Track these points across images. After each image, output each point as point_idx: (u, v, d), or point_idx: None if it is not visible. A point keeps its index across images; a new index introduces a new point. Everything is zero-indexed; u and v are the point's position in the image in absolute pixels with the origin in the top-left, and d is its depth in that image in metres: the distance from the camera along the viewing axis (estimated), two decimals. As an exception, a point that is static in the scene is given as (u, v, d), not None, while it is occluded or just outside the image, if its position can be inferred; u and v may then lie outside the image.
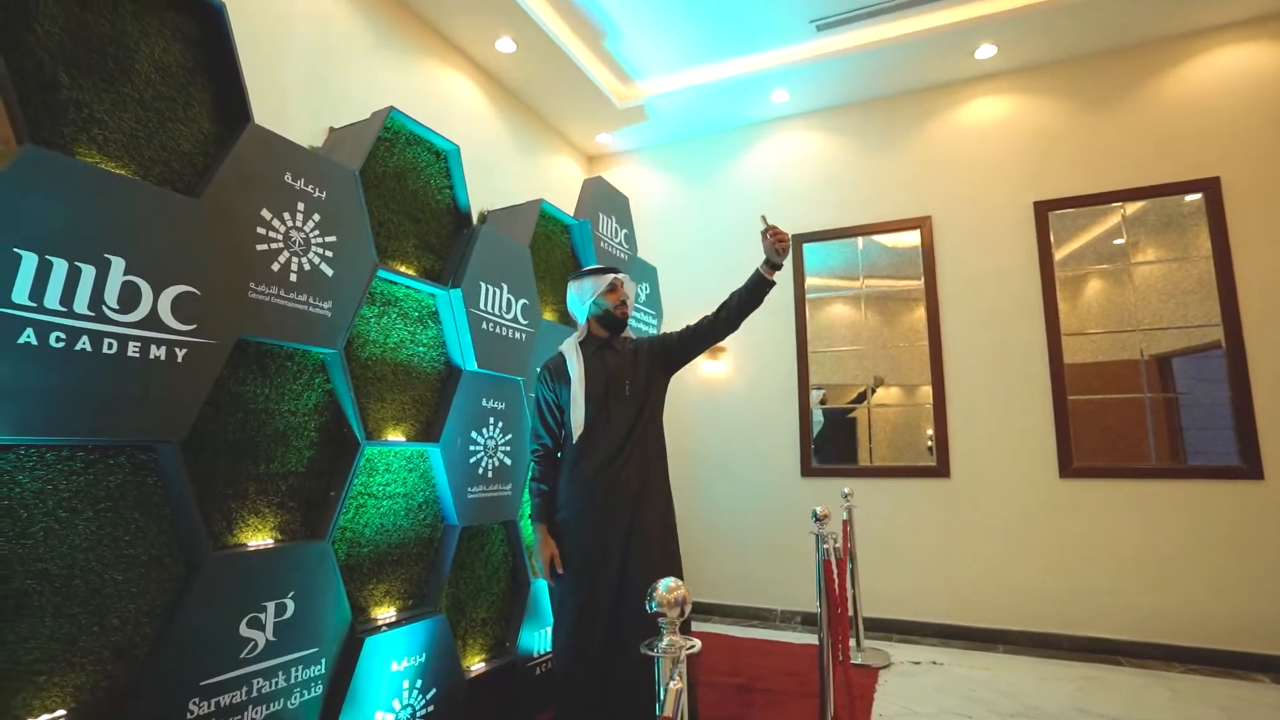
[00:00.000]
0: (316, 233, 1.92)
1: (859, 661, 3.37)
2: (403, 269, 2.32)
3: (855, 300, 4.38)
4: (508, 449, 2.67)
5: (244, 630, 1.64)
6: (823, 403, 4.43)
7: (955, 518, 3.91)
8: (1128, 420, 3.69)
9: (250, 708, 1.65)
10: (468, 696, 2.32)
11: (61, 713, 1.36)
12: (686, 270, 4.86)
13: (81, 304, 1.35)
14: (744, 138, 4.84)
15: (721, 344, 4.63)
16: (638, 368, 2.29)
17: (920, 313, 4.15)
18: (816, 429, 4.40)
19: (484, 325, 2.55)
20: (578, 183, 5.27)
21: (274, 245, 1.79)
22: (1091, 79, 3.91)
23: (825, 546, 2.38)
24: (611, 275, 2.31)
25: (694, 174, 4.99)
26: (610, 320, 2.30)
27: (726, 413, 4.62)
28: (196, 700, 1.54)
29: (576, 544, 2.14)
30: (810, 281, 4.49)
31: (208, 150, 1.71)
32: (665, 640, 1.03)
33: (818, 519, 2.43)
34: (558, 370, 2.28)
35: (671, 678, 0.99)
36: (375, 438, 2.15)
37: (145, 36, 1.59)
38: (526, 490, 2.58)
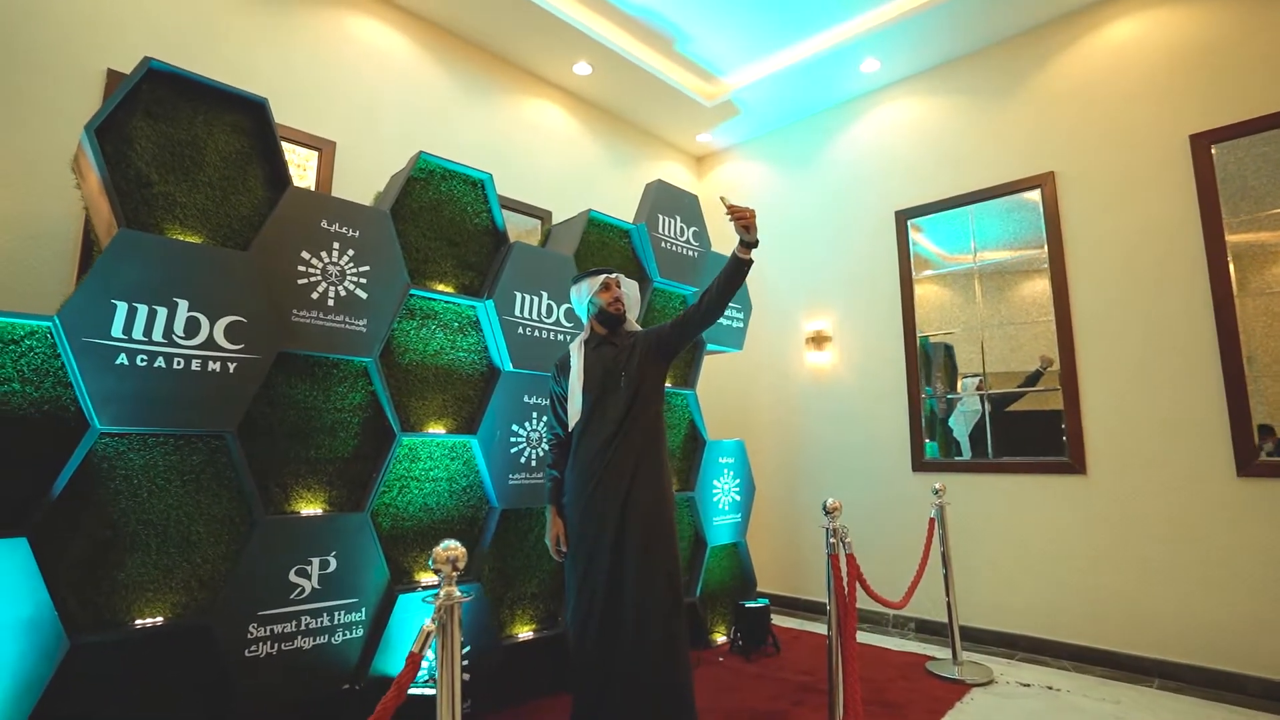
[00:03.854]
0: (351, 265, 2.39)
1: (953, 676, 3.05)
2: (440, 287, 2.74)
3: (966, 277, 3.91)
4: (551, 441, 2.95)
5: (293, 577, 2.14)
6: (980, 389, 3.98)
7: (1095, 521, 3.31)
8: (1348, 403, 2.82)
9: (300, 637, 2.14)
10: (507, 658, 2.65)
11: (160, 619, 1.94)
12: (796, 256, 4.75)
13: (158, 334, 1.93)
14: (840, 116, 4.59)
15: (826, 332, 4.47)
16: (632, 359, 2.41)
17: (1043, 285, 3.58)
18: (972, 421, 3.96)
19: (520, 330, 2.87)
20: (688, 185, 5.43)
21: (313, 278, 2.29)
22: (1267, -32, 3.06)
23: (833, 541, 2.27)
24: (604, 275, 2.47)
25: (795, 160, 4.85)
26: (605, 317, 2.47)
27: (833, 404, 4.42)
28: (255, 625, 2.05)
29: (577, 523, 2.34)
30: (920, 260, 4.11)
31: (262, 211, 2.25)
32: (442, 592, 1.21)
33: (827, 512, 2.32)
34: (563, 366, 2.52)
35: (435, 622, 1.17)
36: (416, 430, 2.58)
37: (212, 136, 2.17)
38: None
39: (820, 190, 4.66)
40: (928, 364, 4.09)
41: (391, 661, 2.31)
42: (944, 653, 3.37)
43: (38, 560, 1.70)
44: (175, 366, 1.95)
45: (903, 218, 4.15)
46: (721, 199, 2.25)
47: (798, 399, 4.62)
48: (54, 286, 2.43)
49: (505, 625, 2.77)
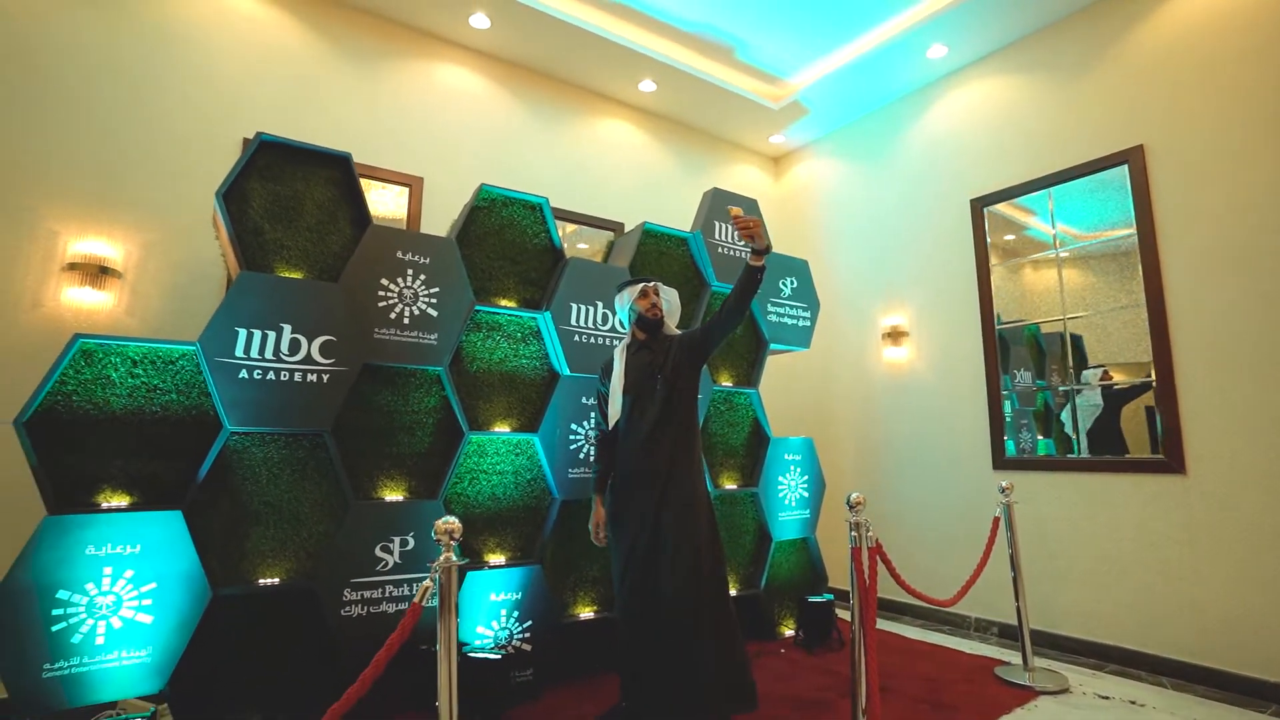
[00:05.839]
0: (423, 287, 2.79)
1: (1022, 682, 2.94)
2: (503, 302, 3.09)
3: (1049, 264, 3.67)
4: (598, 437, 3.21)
5: (378, 552, 2.56)
6: (1105, 379, 3.68)
7: (1197, 525, 3.02)
8: None
9: (384, 603, 2.56)
10: (568, 635, 2.94)
11: (277, 580, 2.42)
12: (872, 252, 4.69)
13: (269, 353, 2.41)
14: (910, 106, 4.47)
15: (903, 328, 4.38)
16: (667, 362, 2.60)
17: (1134, 269, 3.30)
18: (1091, 417, 3.67)
19: (576, 338, 3.16)
20: (765, 187, 5.50)
21: (390, 301, 2.71)
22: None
23: (854, 535, 2.32)
24: (642, 284, 2.68)
25: (868, 155, 4.77)
26: (644, 322, 2.68)
27: (911, 401, 4.31)
28: (349, 591, 2.49)
29: (618, 514, 2.57)
30: (1034, 243, 3.86)
31: (349, 247, 2.71)
32: (441, 557, 1.50)
33: (851, 506, 2.38)
34: (606, 369, 2.76)
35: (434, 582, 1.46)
36: (484, 429, 2.94)
37: (309, 188, 2.65)
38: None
39: (894, 183, 4.56)
40: (1040, 355, 3.86)
41: (462, 627, 2.68)
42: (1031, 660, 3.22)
43: (189, 528, 2.21)
44: (282, 379, 2.43)
45: (978, 206, 3.97)
46: (729, 209, 2.38)
47: (875, 396, 4.54)
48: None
49: (567, 605, 3.06)
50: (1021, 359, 3.87)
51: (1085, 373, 3.64)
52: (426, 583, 1.46)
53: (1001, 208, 3.91)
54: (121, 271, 2.93)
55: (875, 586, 2.26)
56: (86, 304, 2.85)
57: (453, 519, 1.54)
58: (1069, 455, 3.57)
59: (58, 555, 2.03)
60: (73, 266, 2.80)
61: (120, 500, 2.24)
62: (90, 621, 2.05)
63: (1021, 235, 3.92)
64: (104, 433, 2.23)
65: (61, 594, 2.02)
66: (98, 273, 2.83)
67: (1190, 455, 3.06)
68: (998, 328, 3.88)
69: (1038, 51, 3.77)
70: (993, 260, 3.93)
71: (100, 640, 2.06)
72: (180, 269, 3.05)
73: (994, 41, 3.90)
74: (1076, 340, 3.72)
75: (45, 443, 2.13)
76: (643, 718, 2.39)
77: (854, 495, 2.39)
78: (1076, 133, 3.56)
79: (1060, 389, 3.69)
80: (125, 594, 2.12)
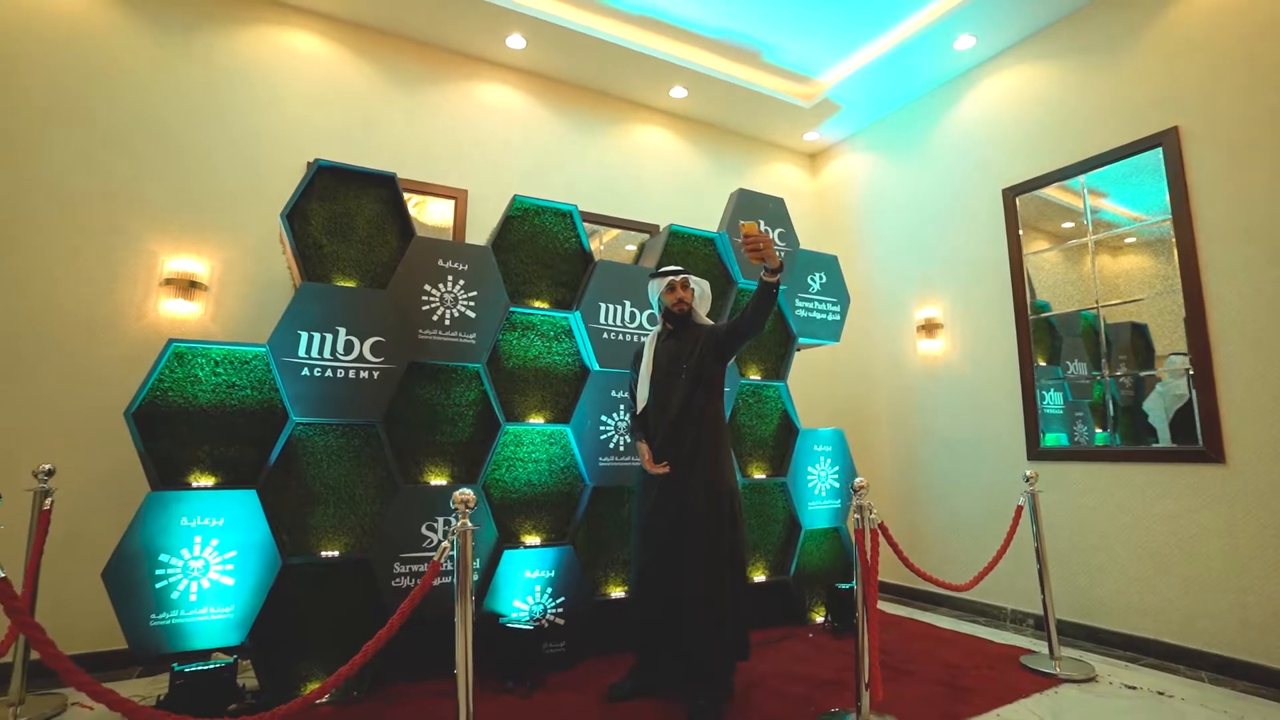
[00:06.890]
0: (462, 291, 3.07)
1: (1047, 670, 2.94)
2: (536, 303, 3.33)
3: (1109, 249, 3.58)
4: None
5: (423, 531, 2.85)
6: (1190, 368, 3.50)
7: (1239, 517, 2.93)
8: None
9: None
10: (598, 612, 3.15)
11: (336, 553, 2.74)
12: (906, 245, 4.70)
13: (326, 353, 2.74)
14: (940, 99, 4.45)
15: (938, 320, 4.38)
16: (693, 355, 2.73)
17: (1169, 254, 3.22)
18: (1174, 406, 3.52)
19: (605, 335, 3.37)
20: (802, 184, 5.56)
21: (433, 305, 3.00)
22: None
23: (857, 517, 2.42)
24: (670, 278, 2.83)
25: (901, 148, 4.77)
26: (670, 315, 2.84)
27: (946, 392, 4.30)
28: (398, 565, 2.79)
29: (643, 494, 2.74)
30: (1056, 235, 3.83)
31: (396, 257, 3.02)
32: (457, 522, 1.74)
33: (855, 490, 2.48)
34: (638, 357, 2.92)
35: (450, 546, 1.70)
36: (519, 421, 3.20)
37: (361, 206, 2.97)
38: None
39: (927, 175, 4.55)
40: (1094, 345, 3.75)
41: (499, 601, 2.94)
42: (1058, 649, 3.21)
43: (262, 506, 2.56)
44: (338, 375, 2.75)
45: (1010, 195, 3.93)
46: (740, 225, 2.49)
47: (911, 389, 4.55)
48: (282, 322, 3.44)
49: (598, 585, 3.28)
50: (1075, 349, 3.76)
51: (1172, 357, 3.46)
52: (444, 544, 1.70)
53: (1057, 195, 3.81)
54: (207, 284, 3.36)
55: (877, 566, 2.37)
56: (180, 314, 3.28)
57: (468, 490, 1.78)
58: (1131, 446, 3.46)
59: (159, 525, 2.41)
60: (168, 282, 3.24)
61: (207, 480, 2.61)
62: (185, 581, 2.42)
63: (1080, 222, 3.80)
64: (193, 422, 2.61)
65: (163, 557, 2.40)
66: (188, 286, 3.26)
67: (1230, 445, 2.97)
68: (1047, 316, 3.80)
69: (1066, 37, 3.71)
70: (1044, 246, 3.85)
71: (193, 598, 2.43)
72: (254, 281, 3.45)
73: (1022, 29, 3.85)
74: (1141, 329, 3.59)
75: (148, 431, 2.52)
76: (651, 683, 2.60)
77: (858, 480, 2.49)
78: (1109, 117, 3.49)
79: (1119, 378, 3.56)
80: (212, 559, 2.48)
